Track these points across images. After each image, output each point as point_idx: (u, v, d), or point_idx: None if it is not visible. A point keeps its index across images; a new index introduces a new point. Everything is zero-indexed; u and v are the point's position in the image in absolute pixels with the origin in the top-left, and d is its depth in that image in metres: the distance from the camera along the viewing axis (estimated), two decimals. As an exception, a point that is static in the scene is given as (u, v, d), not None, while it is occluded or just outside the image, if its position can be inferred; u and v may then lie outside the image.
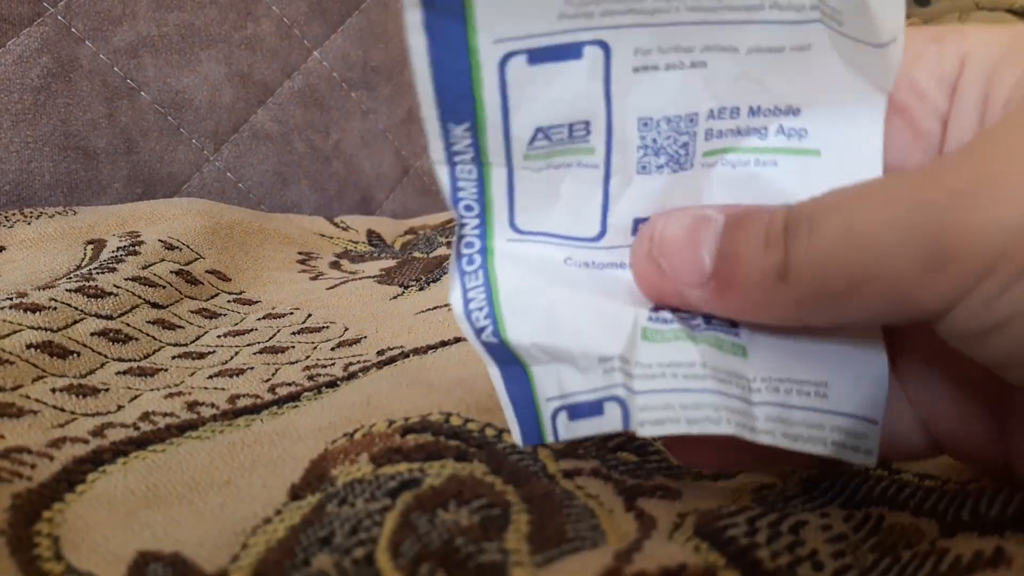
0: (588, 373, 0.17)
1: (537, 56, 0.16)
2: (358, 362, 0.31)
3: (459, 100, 0.17)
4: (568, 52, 0.16)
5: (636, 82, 0.17)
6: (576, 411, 0.17)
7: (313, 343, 0.34)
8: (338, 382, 0.29)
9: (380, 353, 0.32)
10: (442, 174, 0.17)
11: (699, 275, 0.17)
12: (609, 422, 0.17)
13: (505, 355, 0.17)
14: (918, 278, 0.15)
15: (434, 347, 0.32)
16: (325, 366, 0.31)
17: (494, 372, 0.18)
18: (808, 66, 0.17)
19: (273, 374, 0.30)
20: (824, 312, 0.17)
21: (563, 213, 0.18)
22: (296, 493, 0.21)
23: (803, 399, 0.17)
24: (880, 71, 0.17)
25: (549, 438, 0.18)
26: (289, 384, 0.29)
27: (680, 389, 0.17)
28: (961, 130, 0.18)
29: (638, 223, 0.18)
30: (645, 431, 0.16)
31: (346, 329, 0.36)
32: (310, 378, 0.30)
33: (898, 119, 0.19)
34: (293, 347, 0.34)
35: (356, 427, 0.24)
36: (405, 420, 0.23)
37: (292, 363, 0.32)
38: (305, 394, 0.28)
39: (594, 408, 0.17)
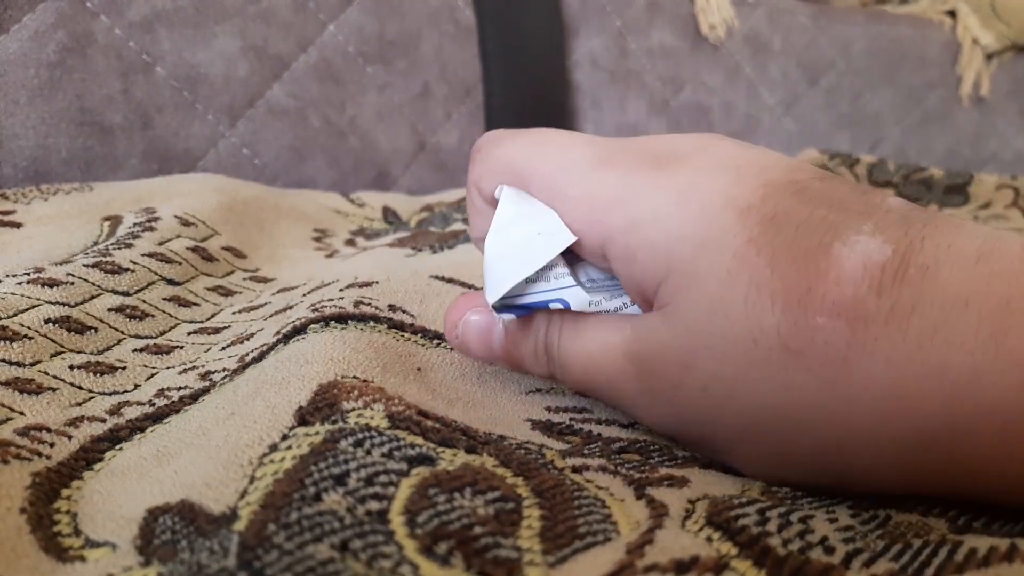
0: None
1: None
2: (369, 304, 0.31)
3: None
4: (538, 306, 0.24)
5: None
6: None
7: (322, 293, 0.34)
8: (347, 319, 0.28)
9: (392, 308, 0.32)
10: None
11: (493, 359, 0.26)
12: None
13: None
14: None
15: (442, 338, 0.31)
16: (332, 299, 0.30)
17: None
18: None
19: (283, 326, 0.30)
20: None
21: None
22: (304, 417, 0.20)
23: None
24: None
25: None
26: (293, 321, 0.28)
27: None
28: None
29: None
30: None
31: (356, 277, 0.36)
32: (315, 310, 0.29)
33: None
34: (302, 302, 0.33)
35: (367, 373, 0.23)
36: (417, 403, 0.22)
37: (300, 309, 0.31)
38: (312, 326, 0.27)
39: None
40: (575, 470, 0.21)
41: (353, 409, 0.20)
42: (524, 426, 0.24)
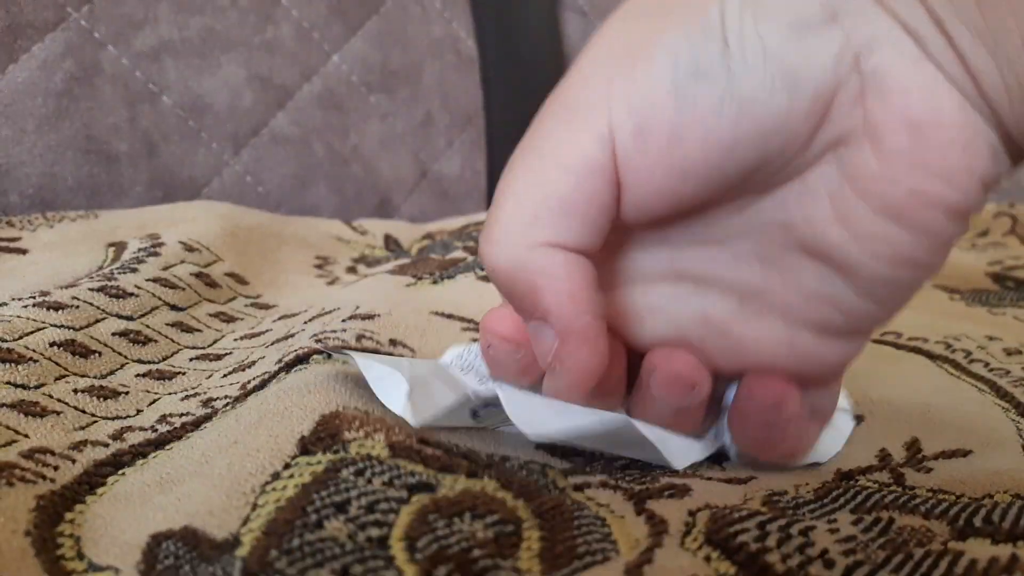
0: None
1: None
2: (371, 338, 0.31)
3: None
4: None
5: None
6: None
7: (324, 322, 0.34)
8: (349, 352, 0.28)
9: (392, 343, 0.32)
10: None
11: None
12: None
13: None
14: None
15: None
16: (335, 331, 0.31)
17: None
18: None
19: (285, 355, 0.30)
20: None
21: None
22: (306, 447, 0.20)
23: None
24: None
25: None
26: (296, 350, 0.29)
27: None
28: None
29: None
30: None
31: (358, 307, 0.36)
32: (318, 341, 0.29)
33: None
34: (304, 331, 0.34)
35: (369, 405, 0.24)
36: (418, 431, 0.23)
37: (302, 338, 0.32)
38: (315, 356, 0.28)
39: None
40: (577, 488, 0.21)
41: (354, 439, 0.21)
42: (528, 445, 0.24)
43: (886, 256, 0.19)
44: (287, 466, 0.20)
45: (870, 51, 0.18)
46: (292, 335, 0.33)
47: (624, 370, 0.24)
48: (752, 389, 0.22)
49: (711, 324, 0.23)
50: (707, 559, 0.17)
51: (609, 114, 0.19)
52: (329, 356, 0.28)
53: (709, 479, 0.22)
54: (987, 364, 0.36)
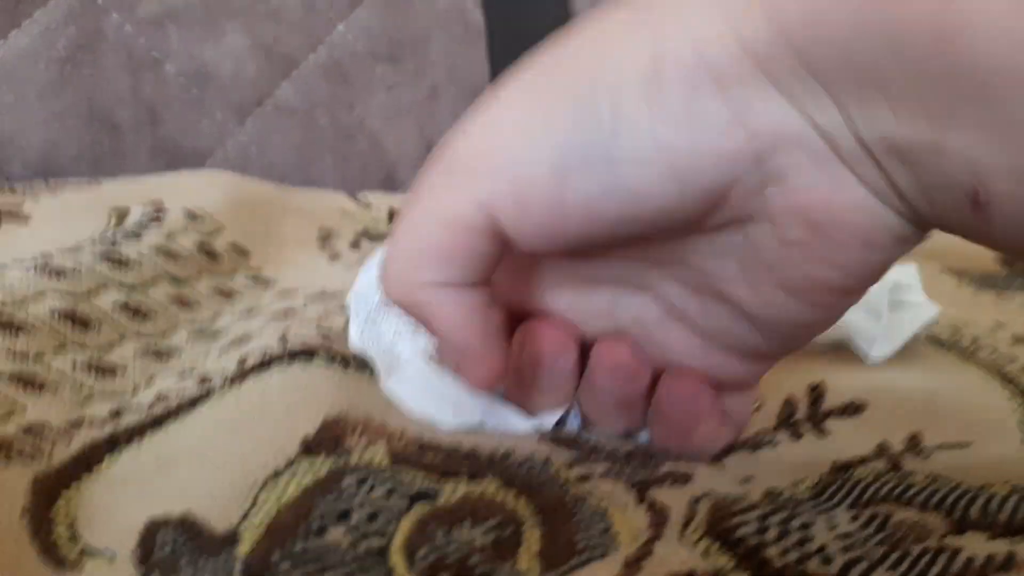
0: None
1: None
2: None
3: None
4: None
5: None
6: None
7: (328, 307, 0.34)
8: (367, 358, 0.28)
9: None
10: None
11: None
12: None
13: None
14: None
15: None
16: (340, 329, 0.31)
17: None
18: None
19: (285, 331, 0.30)
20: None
21: None
22: (309, 447, 0.21)
23: None
24: None
25: None
26: (301, 338, 0.29)
27: None
28: None
29: None
30: None
31: None
32: (324, 336, 0.29)
33: None
34: (305, 308, 0.33)
35: (372, 411, 0.24)
36: (420, 437, 0.23)
37: (304, 321, 0.32)
38: (319, 352, 0.28)
39: None
40: (580, 479, 0.21)
41: (356, 446, 0.21)
42: (531, 438, 0.24)
43: (785, 320, 0.21)
44: (289, 464, 0.20)
45: (774, 150, 0.18)
46: (292, 308, 0.33)
47: (575, 364, 0.25)
48: (670, 386, 0.24)
49: (642, 324, 0.24)
50: (706, 552, 0.17)
51: (490, 184, 0.20)
52: (333, 359, 0.28)
53: (712, 463, 0.23)
54: (993, 351, 0.35)
